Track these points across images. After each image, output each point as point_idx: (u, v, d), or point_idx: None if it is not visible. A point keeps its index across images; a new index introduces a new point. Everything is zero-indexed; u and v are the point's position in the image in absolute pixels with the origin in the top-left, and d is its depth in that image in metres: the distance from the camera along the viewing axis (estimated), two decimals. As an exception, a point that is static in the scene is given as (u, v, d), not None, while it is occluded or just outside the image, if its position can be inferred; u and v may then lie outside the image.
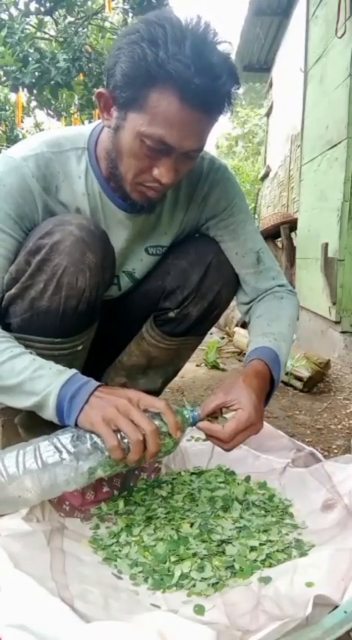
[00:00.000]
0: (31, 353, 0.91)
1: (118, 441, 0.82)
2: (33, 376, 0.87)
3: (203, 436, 1.34)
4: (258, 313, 1.12)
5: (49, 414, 0.87)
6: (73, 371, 0.89)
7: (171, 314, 1.14)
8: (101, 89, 0.90)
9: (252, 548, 0.88)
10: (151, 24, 0.80)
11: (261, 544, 0.89)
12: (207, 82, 0.79)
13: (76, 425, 0.85)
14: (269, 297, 1.15)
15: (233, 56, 0.86)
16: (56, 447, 0.83)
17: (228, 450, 0.94)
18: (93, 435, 0.84)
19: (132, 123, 0.85)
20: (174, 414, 0.87)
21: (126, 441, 0.83)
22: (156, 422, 0.85)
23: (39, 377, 0.87)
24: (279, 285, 1.16)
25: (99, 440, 0.84)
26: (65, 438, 0.84)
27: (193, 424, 0.93)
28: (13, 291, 0.94)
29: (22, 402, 0.89)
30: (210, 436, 0.93)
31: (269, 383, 0.99)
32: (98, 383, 0.89)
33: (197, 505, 1.02)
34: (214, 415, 0.94)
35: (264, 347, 1.01)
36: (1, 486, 0.83)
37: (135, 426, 0.82)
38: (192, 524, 0.94)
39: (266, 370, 0.99)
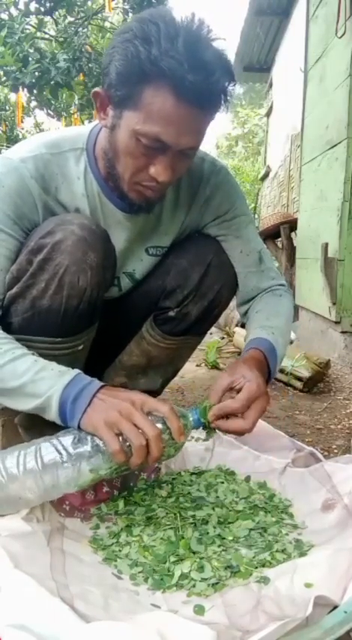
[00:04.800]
0: (32, 354, 0.91)
1: (121, 446, 0.81)
2: (35, 378, 0.86)
3: (203, 436, 1.35)
4: (257, 309, 1.13)
5: (52, 416, 0.87)
6: (76, 371, 0.89)
7: (171, 313, 1.14)
8: (97, 88, 0.90)
9: (252, 548, 0.88)
10: (144, 22, 0.80)
11: (260, 544, 0.89)
12: (200, 79, 0.79)
13: (79, 427, 0.85)
14: (269, 294, 1.16)
15: (231, 55, 0.86)
16: (57, 449, 0.83)
17: (248, 431, 0.92)
18: (95, 438, 0.84)
19: (127, 121, 0.85)
20: (178, 418, 0.86)
21: (127, 444, 0.82)
22: (159, 425, 0.84)
23: (41, 379, 0.86)
24: (279, 285, 1.17)
25: (101, 442, 0.83)
26: (66, 439, 0.84)
27: (195, 427, 0.92)
28: (14, 290, 0.94)
29: (25, 405, 0.88)
30: (227, 430, 0.92)
31: (266, 372, 0.99)
32: (101, 383, 0.88)
33: (197, 505, 1.02)
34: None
35: (261, 338, 1.02)
36: (2, 487, 0.84)
37: (138, 431, 0.82)
38: (191, 524, 0.94)
39: (263, 359, 0.99)
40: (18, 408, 0.90)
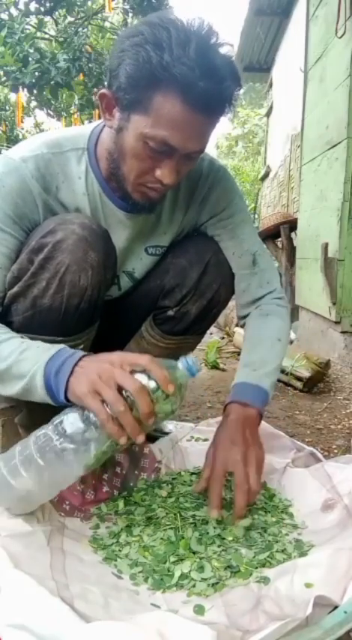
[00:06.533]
0: (21, 337, 0.90)
1: (109, 414, 0.78)
2: (19, 358, 0.85)
3: (203, 436, 1.35)
4: (246, 334, 1.14)
5: (40, 395, 0.84)
6: (60, 346, 0.87)
7: (170, 312, 1.14)
8: (103, 90, 0.90)
9: (252, 548, 0.88)
10: (155, 26, 0.80)
11: (260, 544, 0.89)
12: (211, 85, 0.80)
13: (69, 401, 0.83)
14: (256, 314, 1.15)
15: (234, 58, 0.86)
16: (55, 432, 0.81)
17: (255, 490, 0.95)
18: (86, 411, 0.81)
19: (135, 124, 0.86)
20: (161, 366, 0.82)
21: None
22: (145, 380, 0.80)
23: (25, 359, 0.85)
24: (270, 292, 1.16)
25: (92, 414, 0.80)
26: (59, 422, 0.82)
27: (193, 375, 0.85)
28: (15, 289, 0.94)
29: (13, 388, 0.87)
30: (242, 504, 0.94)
31: (257, 413, 1.01)
32: (84, 353, 0.86)
33: (197, 505, 1.02)
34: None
35: (242, 383, 1.04)
36: (8, 487, 0.83)
37: (119, 395, 0.79)
38: (191, 524, 0.94)
39: (241, 410, 1.00)
40: (8, 394, 0.89)
